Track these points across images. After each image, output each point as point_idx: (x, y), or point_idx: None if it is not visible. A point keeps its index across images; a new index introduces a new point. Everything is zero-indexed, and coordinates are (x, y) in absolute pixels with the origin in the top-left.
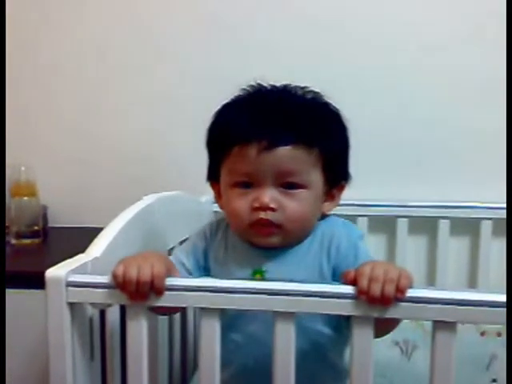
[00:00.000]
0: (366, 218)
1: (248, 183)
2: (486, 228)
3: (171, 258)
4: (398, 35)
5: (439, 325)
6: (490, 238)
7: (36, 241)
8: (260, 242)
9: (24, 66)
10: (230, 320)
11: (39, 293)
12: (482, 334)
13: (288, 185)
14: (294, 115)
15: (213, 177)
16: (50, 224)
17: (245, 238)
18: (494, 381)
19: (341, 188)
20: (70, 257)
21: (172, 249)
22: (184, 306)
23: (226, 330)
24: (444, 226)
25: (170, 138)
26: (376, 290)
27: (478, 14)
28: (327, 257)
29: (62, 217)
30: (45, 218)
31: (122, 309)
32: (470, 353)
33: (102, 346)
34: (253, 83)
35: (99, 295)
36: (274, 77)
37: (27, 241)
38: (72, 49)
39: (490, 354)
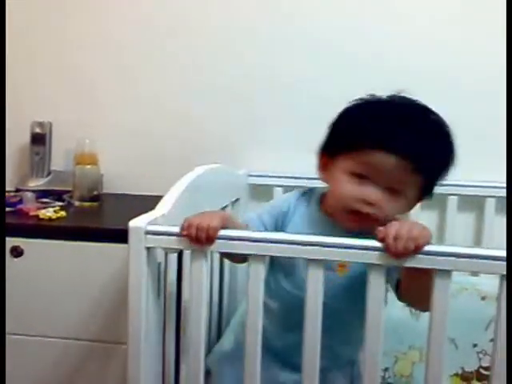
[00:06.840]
0: None
1: (363, 176)
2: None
3: (251, 214)
4: None
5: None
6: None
7: (95, 204)
8: (342, 223)
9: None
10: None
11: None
12: (483, 298)
13: (390, 189)
14: (422, 144)
15: (328, 151)
16: (104, 191)
17: (332, 214)
18: (492, 340)
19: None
20: (125, 217)
21: None
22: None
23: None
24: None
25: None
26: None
27: None
28: None
29: (113, 184)
30: (100, 184)
31: (180, 257)
32: (472, 315)
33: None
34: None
35: (169, 241)
36: None
37: (87, 203)
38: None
39: (490, 317)
